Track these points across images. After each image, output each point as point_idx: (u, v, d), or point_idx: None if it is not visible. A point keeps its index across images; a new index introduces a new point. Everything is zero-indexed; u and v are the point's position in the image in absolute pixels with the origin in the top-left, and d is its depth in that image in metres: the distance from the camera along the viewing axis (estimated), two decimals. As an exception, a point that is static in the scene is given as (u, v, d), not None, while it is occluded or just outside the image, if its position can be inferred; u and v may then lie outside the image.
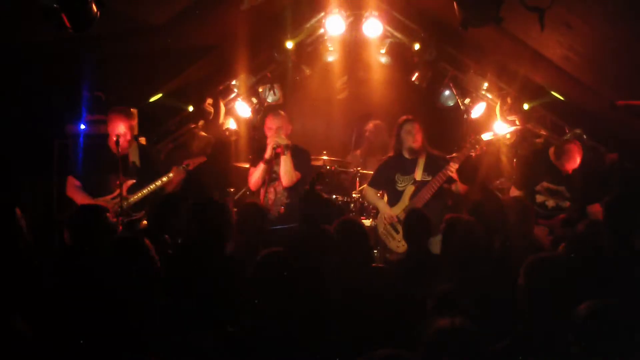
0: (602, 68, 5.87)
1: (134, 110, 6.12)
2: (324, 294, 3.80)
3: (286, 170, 6.17)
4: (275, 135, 6.15)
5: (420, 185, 6.13)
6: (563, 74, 6.52)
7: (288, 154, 6.16)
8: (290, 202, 6.23)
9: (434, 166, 6.19)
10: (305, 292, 3.46)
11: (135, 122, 5.98)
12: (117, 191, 5.68)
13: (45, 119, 6.21)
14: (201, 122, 7.97)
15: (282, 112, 6.39)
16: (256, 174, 6.22)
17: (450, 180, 6.05)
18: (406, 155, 6.32)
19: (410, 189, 6.17)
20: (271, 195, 6.25)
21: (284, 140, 6.14)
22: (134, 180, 5.80)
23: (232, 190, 7.44)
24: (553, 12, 4.24)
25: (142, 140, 7.21)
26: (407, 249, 4.95)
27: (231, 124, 8.27)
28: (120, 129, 5.74)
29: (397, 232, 6.10)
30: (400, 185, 6.25)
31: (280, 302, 3.30)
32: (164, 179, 5.85)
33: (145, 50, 6.17)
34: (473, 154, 6.04)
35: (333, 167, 7.78)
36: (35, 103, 6.08)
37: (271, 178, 6.25)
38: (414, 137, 6.24)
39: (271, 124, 6.25)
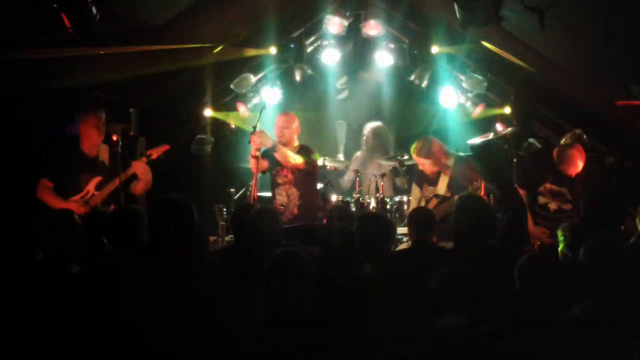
0: (602, 68, 5.87)
1: (100, 113, 6.03)
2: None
3: (282, 158, 6.44)
4: (259, 134, 6.37)
5: (442, 200, 6.26)
6: (563, 73, 6.52)
7: (279, 148, 6.42)
8: (301, 202, 6.44)
9: (458, 185, 6.32)
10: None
11: (103, 119, 5.92)
12: (86, 189, 5.75)
13: (45, 119, 6.21)
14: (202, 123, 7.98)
15: (290, 113, 6.74)
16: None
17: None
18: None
19: (432, 202, 6.39)
20: (284, 198, 6.51)
21: (268, 140, 6.38)
22: (101, 177, 5.80)
23: (232, 190, 7.43)
24: (553, 11, 4.24)
25: (142, 140, 7.22)
26: (412, 242, 4.96)
27: (231, 124, 8.27)
28: (95, 133, 5.82)
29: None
30: (424, 194, 6.48)
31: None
32: (124, 175, 5.79)
33: (145, 50, 6.17)
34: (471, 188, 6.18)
35: (333, 167, 7.78)
36: (35, 103, 6.08)
37: (283, 181, 6.50)
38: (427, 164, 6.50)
39: (277, 123, 6.60)
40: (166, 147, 6.08)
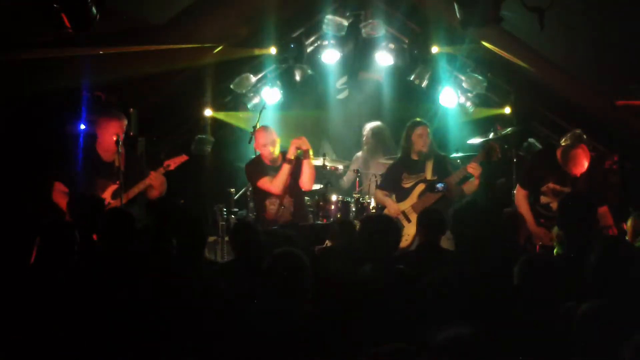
0: (602, 68, 5.87)
1: (123, 120, 5.91)
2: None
3: (312, 174, 6.40)
4: (298, 138, 6.33)
5: (430, 185, 6.24)
6: (563, 74, 6.53)
7: (310, 158, 6.37)
8: (295, 209, 6.41)
9: (442, 168, 6.33)
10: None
11: (124, 127, 5.84)
12: (102, 196, 5.65)
13: (45, 119, 6.20)
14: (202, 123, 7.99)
15: (269, 127, 6.54)
16: (282, 178, 6.28)
17: (463, 180, 6.14)
18: (414, 157, 6.45)
19: (419, 187, 6.29)
20: (275, 208, 6.38)
21: (307, 144, 6.30)
22: (117, 186, 5.72)
23: (232, 190, 7.42)
24: (553, 12, 4.24)
25: (142, 140, 7.22)
26: (418, 243, 4.95)
27: (231, 124, 8.28)
28: (113, 135, 5.70)
29: (402, 226, 6.13)
30: (406, 183, 6.38)
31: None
32: (142, 185, 5.76)
33: (145, 50, 6.17)
34: (494, 158, 6.18)
35: (333, 168, 7.77)
36: (34, 103, 6.07)
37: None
38: (424, 141, 6.36)
39: (266, 138, 6.34)
40: (184, 157, 6.03)
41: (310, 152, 6.38)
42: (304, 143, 6.31)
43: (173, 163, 5.92)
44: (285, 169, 6.28)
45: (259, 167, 6.44)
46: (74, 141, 6.08)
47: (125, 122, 5.87)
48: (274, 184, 6.32)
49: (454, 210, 4.46)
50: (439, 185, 6.15)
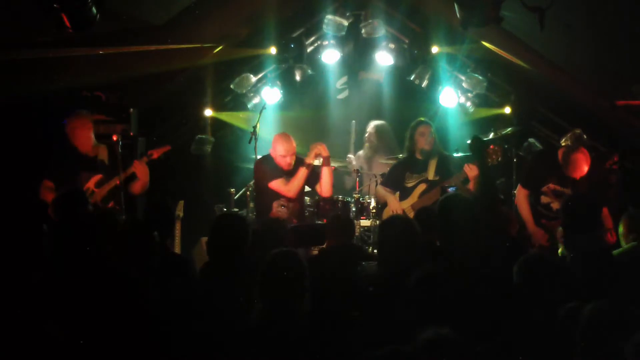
0: (602, 68, 5.87)
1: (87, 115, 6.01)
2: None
3: (331, 181, 6.41)
4: (318, 144, 6.31)
5: (432, 185, 6.25)
6: (562, 73, 6.53)
7: (329, 165, 6.37)
8: (299, 213, 6.35)
9: (445, 168, 6.35)
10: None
11: (92, 123, 5.95)
12: (86, 187, 5.78)
13: (44, 119, 6.20)
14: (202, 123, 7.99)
15: (288, 134, 6.43)
16: (299, 182, 6.27)
17: (464, 181, 6.16)
18: (418, 156, 6.50)
19: (421, 187, 6.33)
20: (283, 212, 6.24)
21: (326, 151, 6.30)
22: (101, 176, 5.84)
23: (232, 190, 7.42)
24: (553, 12, 4.24)
25: (142, 140, 7.21)
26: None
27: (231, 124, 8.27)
28: (85, 133, 5.85)
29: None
30: (408, 182, 6.41)
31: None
32: (127, 172, 5.80)
33: (145, 50, 6.17)
34: (490, 162, 6.19)
35: (333, 168, 7.76)
36: (34, 103, 6.08)
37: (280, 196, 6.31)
38: (426, 139, 6.42)
39: (285, 151, 6.25)
40: (167, 147, 6.10)
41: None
42: (324, 150, 6.31)
43: (156, 152, 5.98)
44: (303, 173, 6.26)
45: (273, 168, 6.36)
46: (56, 139, 6.10)
47: (90, 115, 5.96)
48: (290, 187, 6.27)
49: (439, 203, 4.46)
50: (451, 190, 6.18)
